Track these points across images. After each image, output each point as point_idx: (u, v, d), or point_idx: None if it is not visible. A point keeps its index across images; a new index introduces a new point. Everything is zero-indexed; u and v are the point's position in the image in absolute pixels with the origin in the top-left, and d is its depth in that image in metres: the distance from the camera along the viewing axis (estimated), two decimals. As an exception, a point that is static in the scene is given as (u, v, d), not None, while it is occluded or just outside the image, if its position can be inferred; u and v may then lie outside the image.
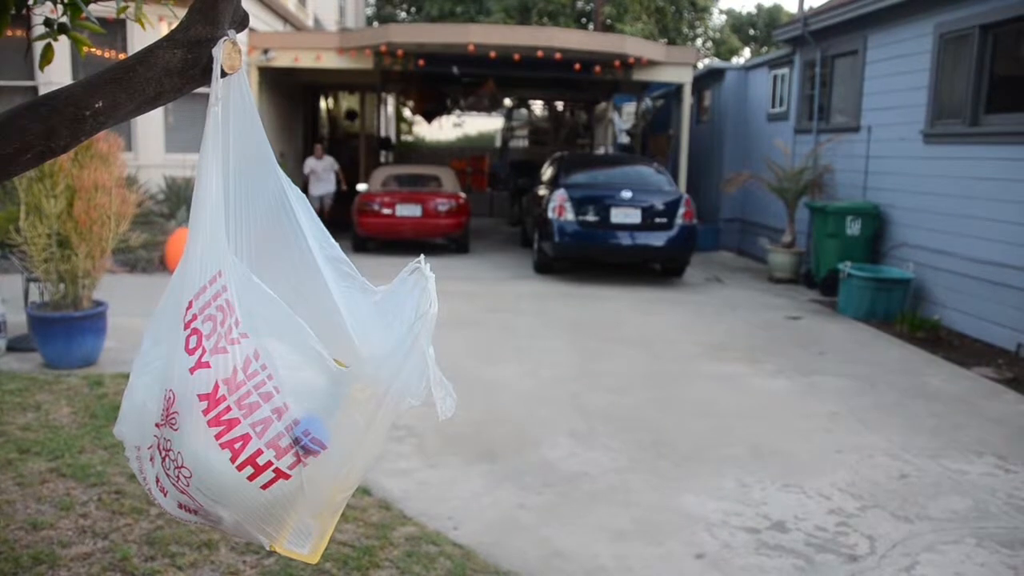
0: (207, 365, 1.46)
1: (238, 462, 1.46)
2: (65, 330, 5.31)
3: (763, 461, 4.35)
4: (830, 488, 4.03)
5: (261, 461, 1.47)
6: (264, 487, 1.48)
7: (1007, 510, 3.85)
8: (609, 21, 23.85)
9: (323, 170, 12.64)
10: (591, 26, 24.17)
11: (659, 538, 3.47)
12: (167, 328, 1.54)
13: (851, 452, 4.52)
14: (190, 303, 1.49)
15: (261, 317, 1.51)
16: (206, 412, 1.46)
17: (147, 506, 3.34)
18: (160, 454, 1.53)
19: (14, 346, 5.66)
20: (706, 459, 4.38)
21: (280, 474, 1.48)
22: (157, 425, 1.53)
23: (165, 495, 1.57)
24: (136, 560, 2.93)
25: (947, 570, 3.29)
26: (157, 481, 1.57)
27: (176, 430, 1.48)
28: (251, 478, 1.47)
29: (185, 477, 1.48)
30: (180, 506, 1.56)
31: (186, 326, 1.49)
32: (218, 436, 1.46)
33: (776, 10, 31.16)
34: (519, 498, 3.81)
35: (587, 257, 10.14)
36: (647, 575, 3.18)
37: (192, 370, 1.47)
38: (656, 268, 10.57)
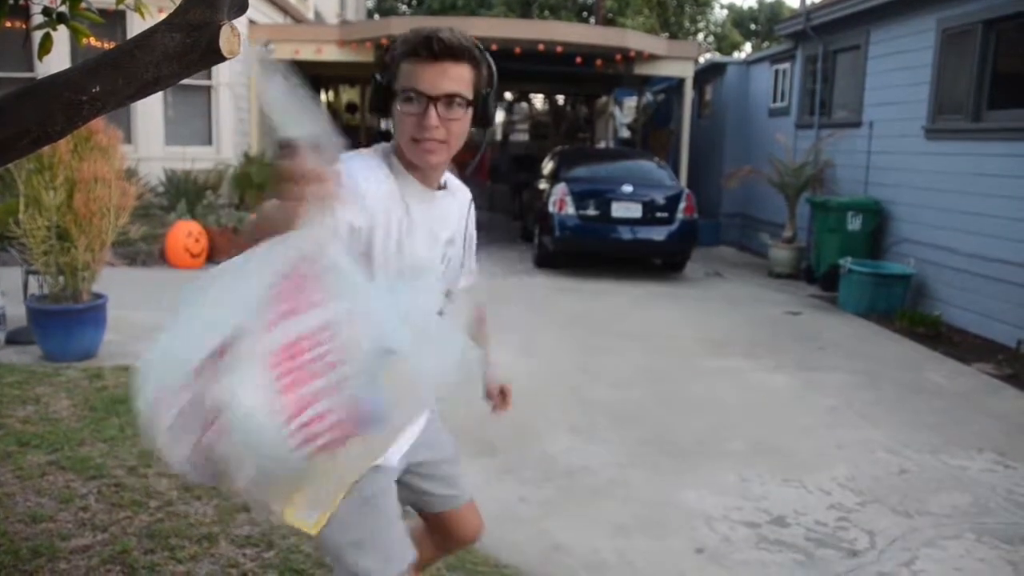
0: (284, 321, 1.44)
1: (289, 428, 1.43)
2: (64, 323, 5.29)
3: (763, 456, 4.35)
4: (830, 483, 4.03)
5: (310, 431, 1.44)
6: (306, 455, 1.45)
7: (1007, 506, 3.84)
8: (610, 15, 23.82)
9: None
10: (592, 20, 24.13)
11: (659, 532, 3.47)
12: (241, 285, 1.50)
13: (851, 447, 4.51)
14: (279, 270, 1.47)
15: (341, 289, 1.50)
16: (270, 367, 1.42)
17: (147, 499, 3.33)
18: (195, 397, 1.46)
19: (13, 339, 5.65)
20: (706, 454, 4.37)
21: (325, 447, 1.46)
22: (206, 364, 1.46)
23: (178, 443, 1.48)
24: (136, 553, 2.93)
25: (947, 565, 3.29)
26: (172, 428, 1.49)
27: (230, 378, 1.42)
28: (297, 445, 1.44)
29: (223, 426, 1.42)
30: (193, 455, 1.49)
31: (273, 288, 1.46)
32: (275, 397, 1.43)
33: (778, 5, 31.14)
34: (519, 492, 3.81)
35: (588, 251, 10.11)
36: (647, 569, 3.17)
37: (271, 324, 1.44)
38: (657, 263, 10.55)
